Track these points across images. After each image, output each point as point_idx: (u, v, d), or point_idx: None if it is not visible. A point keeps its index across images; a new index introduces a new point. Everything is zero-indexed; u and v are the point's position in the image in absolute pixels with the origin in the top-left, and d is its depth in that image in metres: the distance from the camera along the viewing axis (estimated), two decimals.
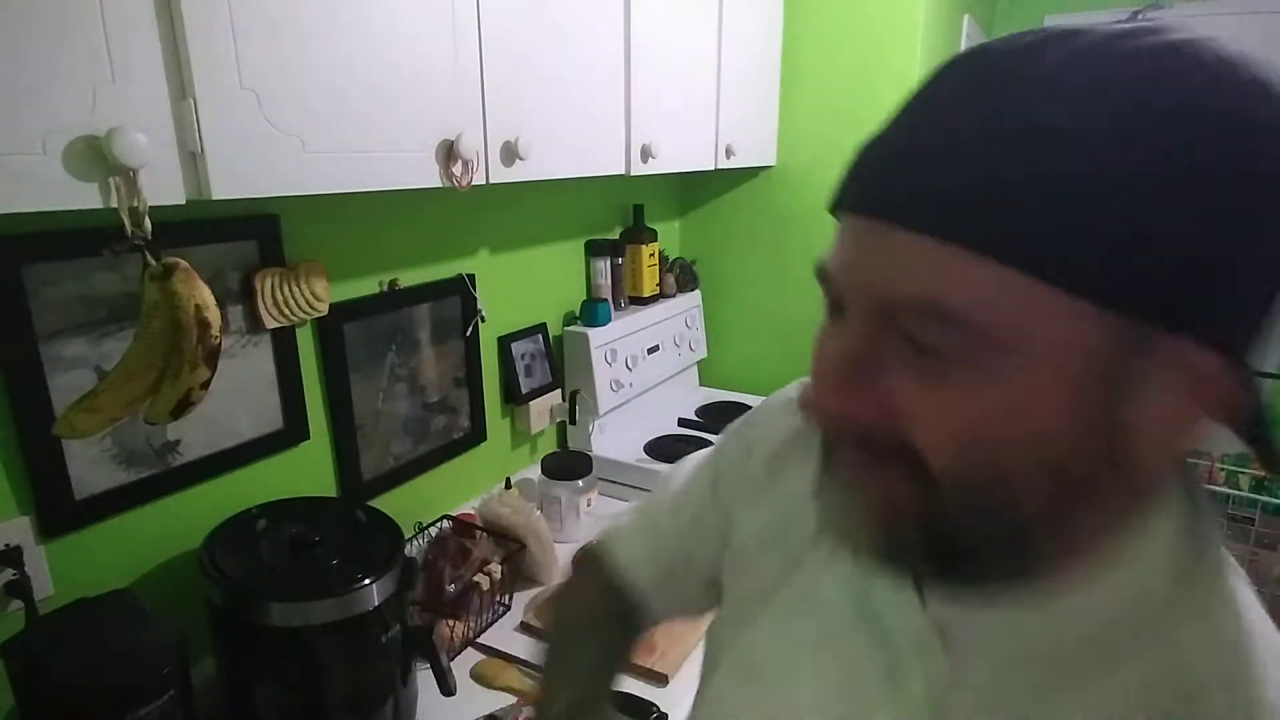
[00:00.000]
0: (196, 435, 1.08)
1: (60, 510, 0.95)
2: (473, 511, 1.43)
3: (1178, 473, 0.41)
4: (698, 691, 0.61)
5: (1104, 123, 0.30)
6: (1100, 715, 0.37)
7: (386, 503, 1.39)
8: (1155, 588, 0.38)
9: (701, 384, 2.31)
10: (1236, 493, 2.57)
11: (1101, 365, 0.32)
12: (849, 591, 0.46)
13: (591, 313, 1.76)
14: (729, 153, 1.79)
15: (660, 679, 1.13)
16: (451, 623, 1.17)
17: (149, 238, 0.71)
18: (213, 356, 0.79)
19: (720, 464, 0.66)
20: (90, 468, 0.97)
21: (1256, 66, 0.31)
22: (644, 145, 1.45)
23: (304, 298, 1.17)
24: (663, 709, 1.06)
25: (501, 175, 1.12)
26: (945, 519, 0.35)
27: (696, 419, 1.99)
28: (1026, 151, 0.30)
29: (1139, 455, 0.35)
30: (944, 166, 0.32)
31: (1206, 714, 0.36)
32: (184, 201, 0.74)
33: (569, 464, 1.54)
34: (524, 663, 1.15)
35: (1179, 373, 0.32)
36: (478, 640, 1.21)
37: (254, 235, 1.11)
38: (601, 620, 0.74)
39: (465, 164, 1.03)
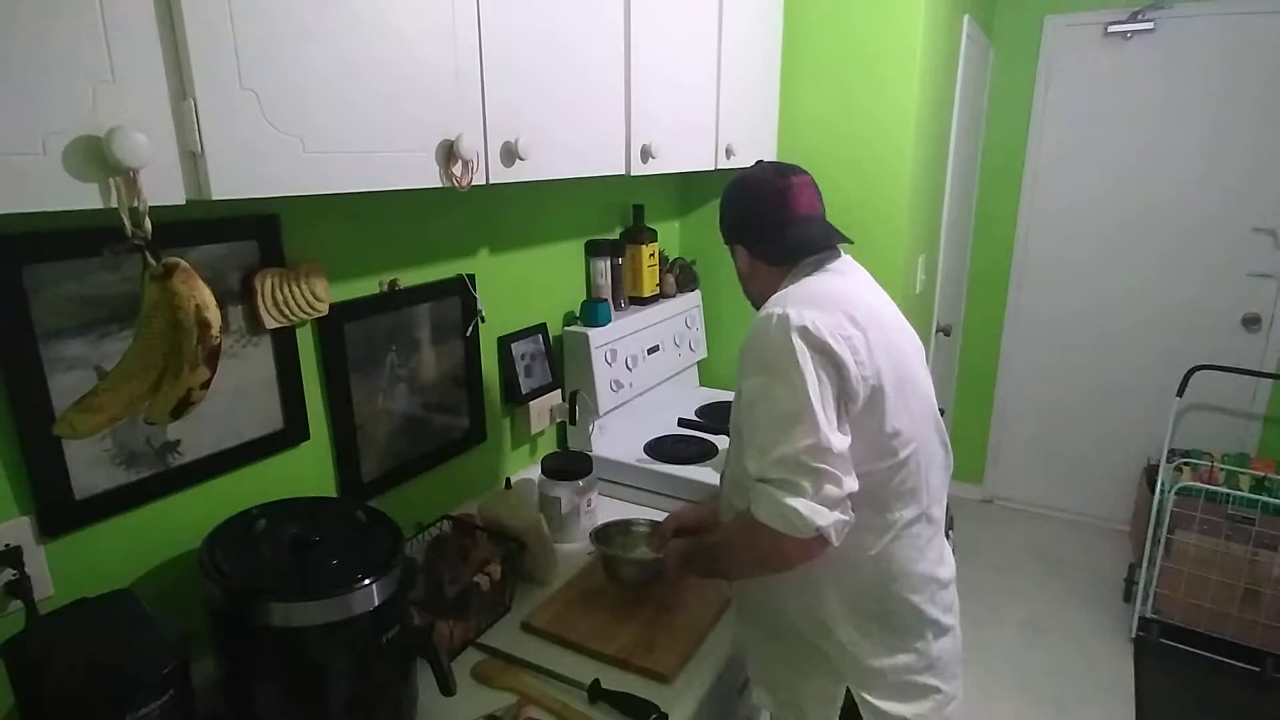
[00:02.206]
0: (196, 435, 1.09)
1: (60, 510, 0.95)
2: (473, 511, 1.43)
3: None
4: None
5: (726, 195, 1.21)
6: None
7: (386, 503, 1.39)
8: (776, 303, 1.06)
9: (701, 384, 2.31)
10: (1236, 493, 2.57)
11: (734, 256, 1.23)
12: None
13: (591, 313, 1.76)
14: (729, 153, 1.79)
15: (661, 679, 1.13)
16: (451, 623, 1.17)
17: (149, 238, 0.71)
18: (213, 356, 0.79)
19: None
20: (90, 468, 0.97)
21: (751, 172, 1.20)
22: (644, 145, 1.45)
23: (304, 298, 1.17)
24: (663, 709, 1.06)
25: (501, 175, 1.12)
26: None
27: (696, 419, 1.99)
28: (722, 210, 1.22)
29: (747, 277, 1.24)
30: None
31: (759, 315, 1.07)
32: (184, 202, 0.74)
33: (569, 464, 1.54)
34: (524, 663, 1.15)
35: (742, 252, 1.21)
36: (478, 640, 1.21)
37: (254, 235, 1.11)
38: None
39: (465, 164, 1.04)
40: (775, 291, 1.11)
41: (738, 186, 1.18)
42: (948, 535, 1.19)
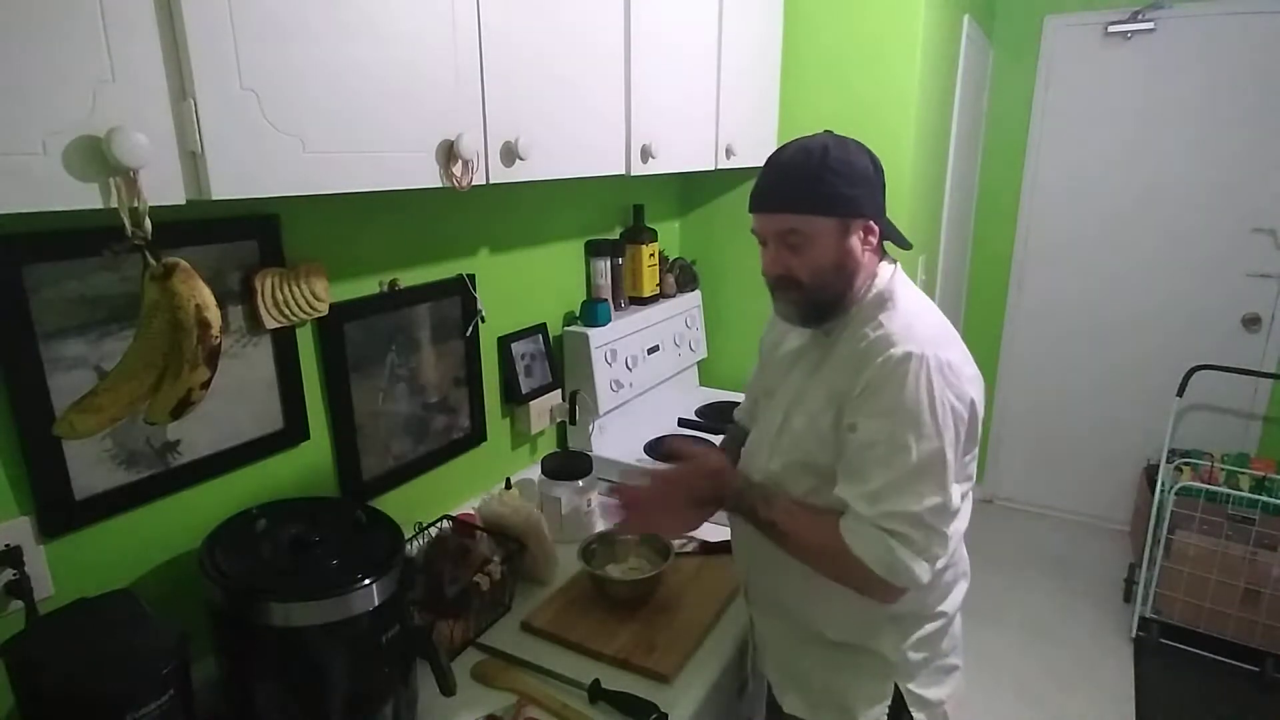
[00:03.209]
0: (196, 435, 1.08)
1: (60, 510, 0.95)
2: (473, 511, 1.43)
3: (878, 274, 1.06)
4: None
5: (808, 155, 1.00)
6: (852, 341, 1.02)
7: (386, 503, 1.39)
8: (873, 307, 1.03)
9: (701, 384, 2.31)
10: (1236, 493, 2.57)
11: (839, 237, 1.00)
12: (792, 346, 1.15)
13: (591, 313, 1.76)
14: (729, 153, 1.79)
15: (661, 679, 1.13)
16: (451, 623, 1.17)
17: (149, 238, 0.71)
18: (213, 356, 0.79)
19: (760, 344, 1.29)
20: (90, 468, 0.97)
21: (843, 143, 1.02)
22: (644, 145, 1.45)
23: (304, 298, 1.17)
24: (663, 709, 1.06)
25: (501, 175, 1.12)
26: (809, 303, 1.04)
27: (696, 419, 1.99)
28: (791, 173, 1.01)
29: (857, 264, 1.02)
30: (775, 189, 1.02)
31: (879, 335, 0.99)
32: (184, 201, 0.74)
33: (569, 464, 1.54)
34: (524, 663, 1.15)
35: (860, 231, 1.01)
36: (478, 640, 1.21)
37: (254, 235, 1.11)
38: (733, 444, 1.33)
39: (465, 164, 1.04)
40: (864, 289, 1.04)
41: (862, 152, 1.02)
42: None
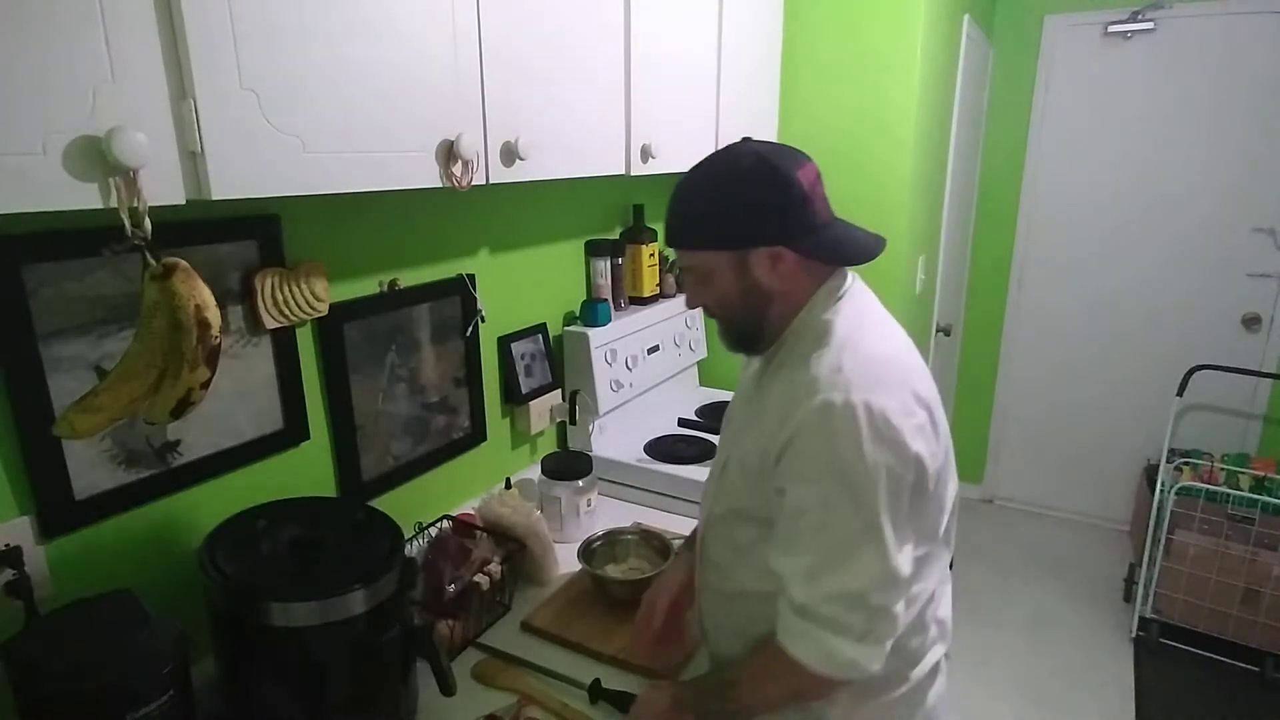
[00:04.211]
0: (196, 435, 1.08)
1: (60, 510, 0.95)
2: (473, 511, 1.43)
3: (811, 300, 0.93)
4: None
5: (697, 186, 0.94)
6: (782, 384, 0.90)
7: (386, 503, 1.39)
8: (806, 342, 0.90)
9: (701, 384, 2.31)
10: (1236, 493, 2.57)
11: (737, 269, 0.91)
12: (752, 371, 1.05)
13: (591, 313, 1.76)
14: None
15: (660, 679, 1.12)
16: (451, 623, 1.17)
17: (149, 238, 0.71)
18: (213, 356, 0.79)
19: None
20: (90, 468, 0.97)
21: (729, 165, 0.92)
22: (644, 145, 1.45)
23: (304, 298, 1.17)
24: None
25: (501, 175, 1.12)
26: (729, 334, 0.99)
27: (696, 419, 1.99)
28: (681, 209, 0.95)
29: (766, 294, 0.92)
30: (671, 227, 0.96)
31: (804, 380, 0.86)
32: (184, 201, 0.74)
33: (569, 464, 1.54)
34: (524, 663, 1.15)
35: (765, 259, 0.90)
36: (478, 640, 1.21)
37: (254, 235, 1.11)
38: None
39: (465, 164, 1.04)
40: (791, 316, 0.93)
41: (759, 168, 0.89)
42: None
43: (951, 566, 1.08)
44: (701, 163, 0.94)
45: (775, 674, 0.88)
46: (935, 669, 1.00)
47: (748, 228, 0.89)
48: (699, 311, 2.16)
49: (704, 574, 1.06)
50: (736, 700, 0.93)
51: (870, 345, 0.89)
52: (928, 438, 0.85)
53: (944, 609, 1.02)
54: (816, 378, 0.84)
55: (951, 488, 0.95)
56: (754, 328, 0.96)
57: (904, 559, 0.83)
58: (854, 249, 0.92)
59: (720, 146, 1.73)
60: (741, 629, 0.99)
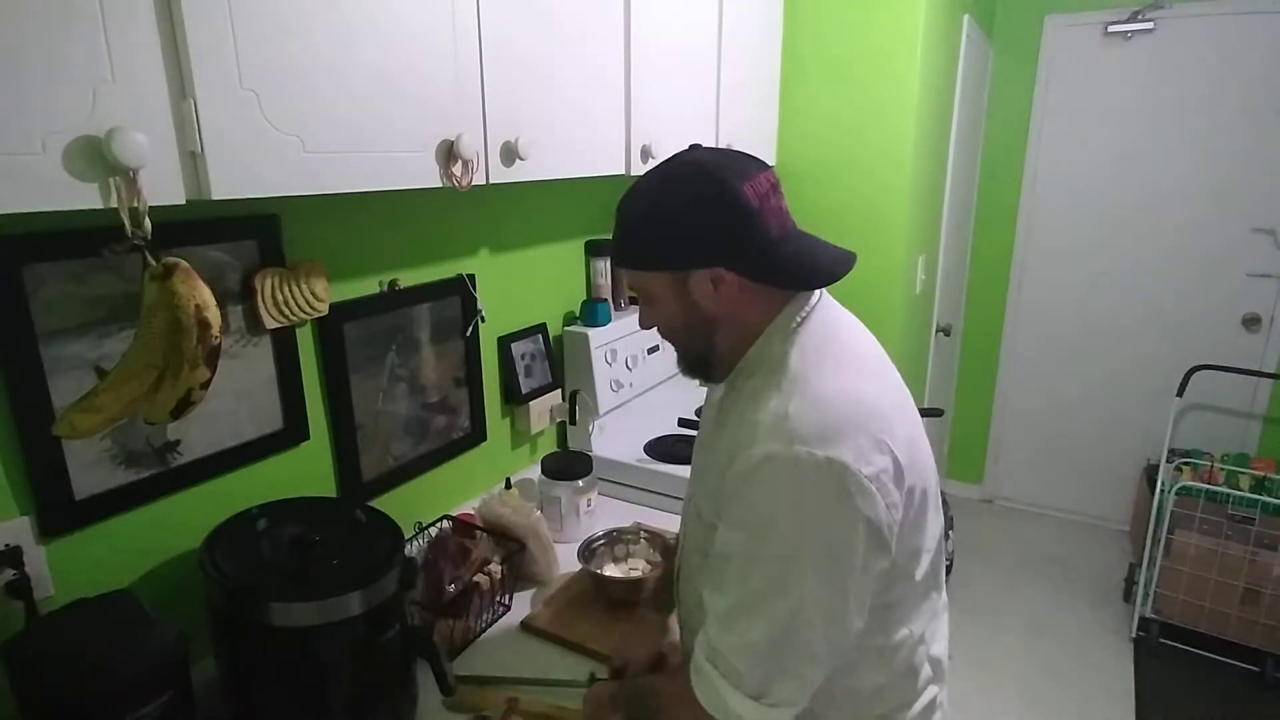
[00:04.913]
0: (196, 435, 1.08)
1: (60, 510, 0.95)
2: (473, 511, 1.43)
3: (776, 325, 0.86)
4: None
5: (635, 202, 0.87)
6: (734, 424, 0.84)
7: (386, 503, 1.39)
8: (759, 378, 0.84)
9: (701, 384, 2.31)
10: (1236, 493, 2.57)
11: (676, 290, 0.85)
12: (715, 397, 0.98)
13: (591, 313, 1.76)
14: None
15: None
16: (451, 623, 1.17)
17: (149, 238, 0.71)
18: (213, 356, 0.79)
19: None
20: (90, 468, 0.97)
21: (665, 181, 0.85)
22: (644, 145, 1.45)
23: (304, 298, 1.17)
24: None
25: (501, 175, 1.12)
26: (684, 360, 0.95)
27: (696, 419, 1.99)
28: (621, 226, 0.89)
29: (709, 317, 0.86)
30: (613, 243, 0.91)
31: (750, 423, 0.80)
32: (184, 201, 0.74)
33: (569, 464, 1.54)
34: (499, 680, 1.15)
35: (704, 281, 0.83)
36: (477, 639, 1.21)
37: (254, 235, 1.11)
38: None
39: (465, 164, 1.04)
40: (745, 342, 0.86)
41: (699, 183, 0.81)
42: (947, 536, 1.13)
43: (950, 571, 1.07)
44: (644, 175, 0.87)
45: (686, 702, 0.84)
46: (930, 707, 0.95)
47: (683, 247, 0.82)
48: None
49: (681, 609, 1.03)
50: (661, 711, 0.92)
51: (826, 385, 0.79)
52: (884, 488, 0.75)
53: (937, 648, 0.95)
54: (760, 423, 0.77)
55: (931, 529, 0.87)
56: (703, 354, 0.90)
57: (821, 626, 0.76)
58: (810, 269, 0.83)
59: (719, 146, 1.75)
60: None
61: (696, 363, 0.93)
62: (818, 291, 0.88)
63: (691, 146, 0.88)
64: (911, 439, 0.81)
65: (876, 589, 0.80)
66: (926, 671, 0.93)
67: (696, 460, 0.99)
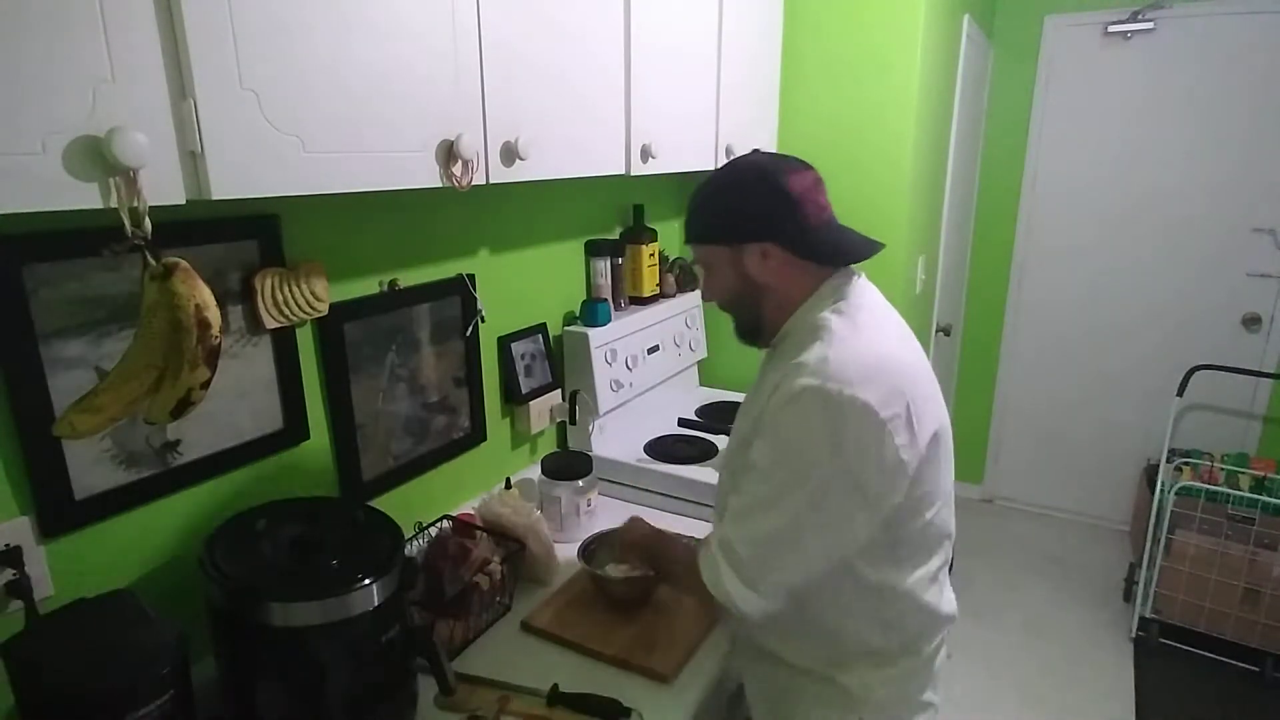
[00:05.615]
0: (196, 435, 1.08)
1: (60, 510, 0.95)
2: (473, 511, 1.43)
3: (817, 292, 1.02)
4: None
5: (705, 190, 1.04)
6: (776, 372, 0.97)
7: (386, 503, 1.39)
8: (802, 335, 0.97)
9: (701, 384, 2.31)
10: (1236, 493, 2.57)
11: (732, 263, 1.02)
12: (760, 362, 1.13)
13: (591, 313, 1.76)
14: (729, 153, 1.79)
15: (660, 679, 1.13)
16: (451, 623, 1.17)
17: (149, 238, 0.71)
18: (213, 356, 0.79)
19: None
20: (90, 468, 0.97)
21: (730, 172, 1.03)
22: (644, 145, 1.45)
23: (304, 298, 1.17)
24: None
25: (501, 175, 1.12)
26: (738, 326, 1.11)
27: (696, 419, 1.99)
28: (691, 206, 1.06)
29: (759, 288, 1.02)
30: (686, 222, 1.08)
31: (793, 366, 0.92)
32: (184, 201, 0.74)
33: (569, 464, 1.54)
34: (484, 681, 1.15)
35: (754, 255, 1.00)
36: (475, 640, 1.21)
37: (254, 235, 1.11)
38: None
39: (465, 164, 1.03)
40: (789, 311, 1.02)
41: (755, 173, 1.00)
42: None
43: (950, 570, 1.11)
44: (714, 171, 1.06)
45: (691, 572, 1.03)
46: (939, 645, 1.09)
47: (738, 225, 1.01)
48: (699, 311, 2.17)
49: None
50: (678, 576, 1.12)
51: (859, 341, 0.94)
52: (899, 430, 0.89)
53: (947, 596, 1.09)
54: (803, 364, 0.92)
55: (944, 477, 1.01)
56: (754, 319, 1.07)
57: (820, 534, 0.92)
58: (842, 249, 1.02)
59: (720, 146, 1.76)
60: (746, 629, 1.08)
61: (749, 327, 1.09)
62: (855, 275, 1.04)
63: (753, 151, 1.10)
64: (927, 395, 0.97)
65: (882, 521, 0.93)
66: (947, 609, 1.08)
67: (739, 415, 1.12)
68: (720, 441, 1.82)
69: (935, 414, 0.98)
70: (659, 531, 1.24)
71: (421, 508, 1.48)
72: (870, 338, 0.96)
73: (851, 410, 0.87)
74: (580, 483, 1.52)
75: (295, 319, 1.17)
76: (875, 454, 0.89)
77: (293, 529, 1.00)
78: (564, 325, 1.79)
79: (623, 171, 1.43)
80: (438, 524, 1.40)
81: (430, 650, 1.00)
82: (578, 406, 1.73)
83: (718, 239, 1.03)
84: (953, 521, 1.06)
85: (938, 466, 0.98)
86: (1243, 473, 2.67)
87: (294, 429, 1.22)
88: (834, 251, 1.01)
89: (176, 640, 0.87)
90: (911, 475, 0.92)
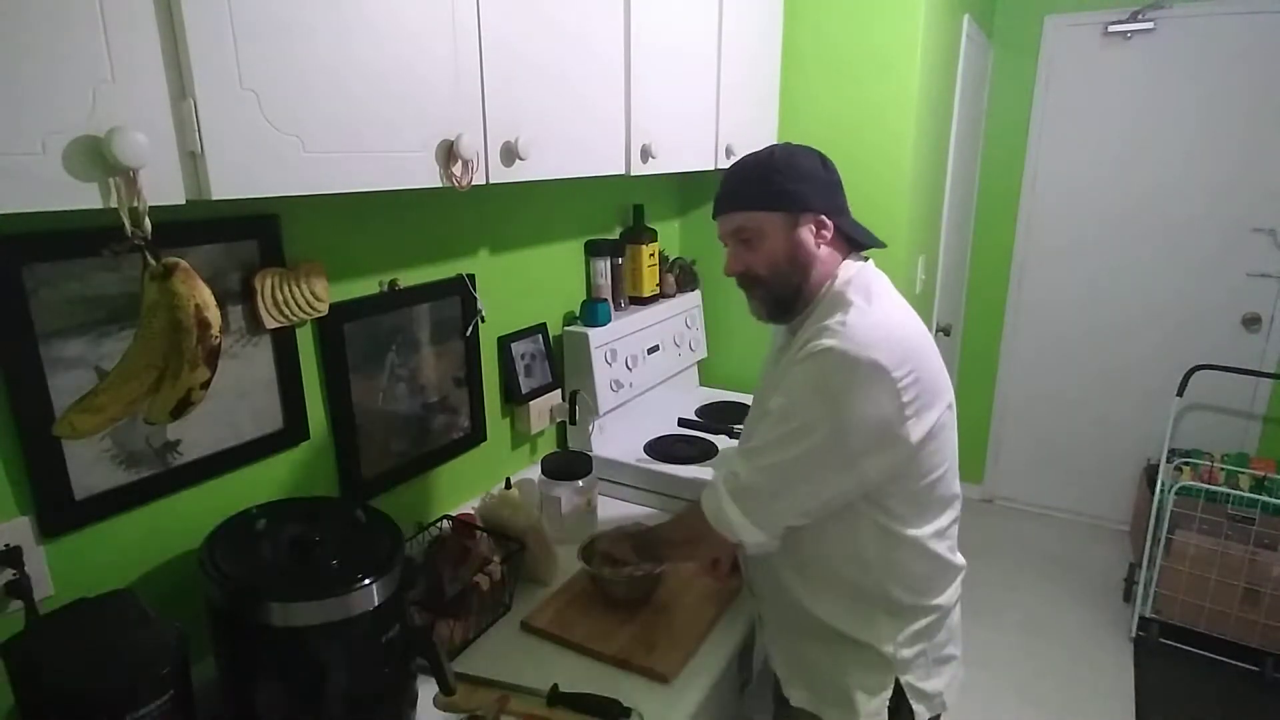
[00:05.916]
0: (196, 435, 1.08)
1: (60, 510, 0.95)
2: (472, 511, 1.43)
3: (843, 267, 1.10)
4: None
5: (758, 160, 1.10)
6: (800, 344, 1.03)
7: (386, 503, 1.39)
8: (827, 308, 1.05)
9: (701, 384, 2.31)
10: (1236, 492, 2.57)
11: (787, 230, 1.07)
12: (776, 347, 1.20)
13: (591, 313, 1.76)
14: (729, 153, 1.78)
15: (660, 679, 1.13)
16: (451, 623, 1.17)
17: (149, 238, 0.71)
18: (213, 356, 0.79)
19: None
20: (90, 468, 0.97)
21: (789, 148, 1.11)
22: (644, 145, 1.45)
23: (304, 298, 1.17)
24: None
25: (501, 175, 1.12)
26: (771, 298, 1.12)
27: (696, 419, 1.99)
28: (740, 177, 1.11)
29: (810, 256, 1.08)
30: (728, 193, 1.12)
31: (816, 332, 1.02)
32: (184, 201, 0.74)
33: (569, 464, 1.54)
34: (482, 681, 1.15)
35: (811, 225, 1.07)
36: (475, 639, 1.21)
37: (254, 235, 1.11)
38: None
39: (465, 164, 1.03)
40: (823, 285, 1.09)
41: (810, 154, 1.10)
42: None
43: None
44: (759, 150, 1.12)
45: (693, 515, 1.10)
46: (956, 598, 1.17)
47: (799, 195, 1.06)
48: (699, 311, 2.17)
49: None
50: (673, 533, 1.22)
51: (876, 312, 1.04)
52: (905, 390, 0.97)
53: (957, 554, 1.17)
54: (826, 328, 1.01)
55: (947, 442, 1.08)
56: (793, 291, 1.10)
57: (822, 475, 1.00)
58: (869, 236, 1.14)
59: (720, 146, 1.76)
60: (782, 571, 1.15)
61: (784, 300, 1.11)
62: (868, 260, 1.14)
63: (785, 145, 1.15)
64: (937, 368, 1.05)
65: (888, 471, 1.01)
66: (958, 560, 1.15)
67: (760, 392, 1.20)
68: (720, 442, 1.82)
69: (946, 384, 1.06)
70: (637, 523, 1.36)
71: (421, 508, 1.48)
72: (888, 310, 1.06)
73: (866, 368, 0.95)
74: (580, 483, 1.52)
75: (295, 319, 1.17)
76: (882, 410, 0.96)
77: (293, 529, 1.00)
78: (564, 325, 1.79)
79: (623, 171, 1.43)
80: (438, 524, 1.40)
81: (430, 650, 1.00)
82: (578, 406, 1.73)
83: (777, 206, 1.07)
84: (958, 485, 1.14)
85: (945, 428, 1.06)
86: (1243, 473, 2.67)
87: (294, 429, 1.22)
88: (865, 235, 1.12)
89: (176, 640, 0.87)
90: (916, 438, 0.99)
